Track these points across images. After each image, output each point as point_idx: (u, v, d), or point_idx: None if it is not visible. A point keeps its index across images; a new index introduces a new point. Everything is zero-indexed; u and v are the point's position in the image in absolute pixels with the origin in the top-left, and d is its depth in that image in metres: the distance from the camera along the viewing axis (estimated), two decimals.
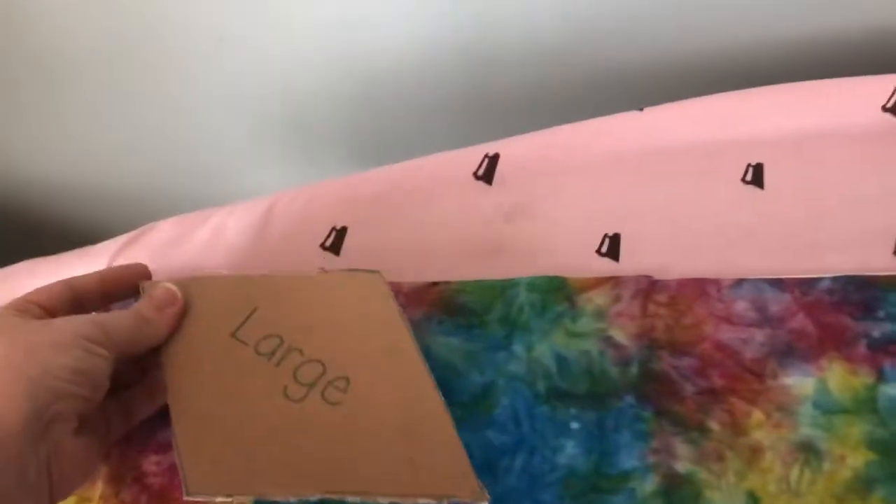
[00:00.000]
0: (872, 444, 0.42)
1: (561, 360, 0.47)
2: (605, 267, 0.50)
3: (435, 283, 0.51)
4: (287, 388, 0.43)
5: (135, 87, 0.73)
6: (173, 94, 0.74)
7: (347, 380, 0.43)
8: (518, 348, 0.47)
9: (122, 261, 0.55)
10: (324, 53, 0.68)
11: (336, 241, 0.54)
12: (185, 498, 0.40)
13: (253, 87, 0.72)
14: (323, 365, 0.44)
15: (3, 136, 0.80)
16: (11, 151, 0.82)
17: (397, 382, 0.44)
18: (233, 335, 0.45)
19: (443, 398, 0.42)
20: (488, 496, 0.39)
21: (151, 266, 0.54)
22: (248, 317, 0.46)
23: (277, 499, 0.40)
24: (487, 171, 0.55)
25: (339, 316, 0.47)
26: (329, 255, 0.54)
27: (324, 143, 0.77)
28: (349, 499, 0.39)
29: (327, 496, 0.40)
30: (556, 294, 0.49)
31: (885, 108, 0.54)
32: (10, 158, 0.83)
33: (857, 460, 0.42)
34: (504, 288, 0.50)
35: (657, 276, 0.49)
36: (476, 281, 0.50)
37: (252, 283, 0.48)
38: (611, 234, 0.52)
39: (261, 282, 0.48)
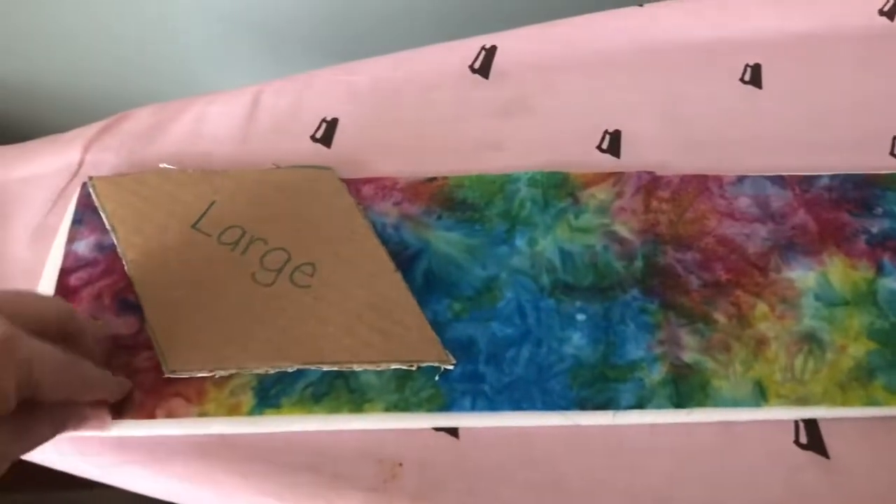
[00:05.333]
0: (872, 334, 0.43)
1: (565, 255, 0.46)
2: (607, 163, 0.50)
3: (433, 178, 0.49)
4: (255, 274, 0.45)
5: None
6: None
7: (313, 265, 0.45)
8: (520, 243, 0.46)
9: (96, 149, 0.51)
10: None
11: (327, 132, 0.52)
12: (166, 375, 0.41)
13: None
14: (287, 252, 0.45)
15: None
16: None
17: (360, 265, 0.45)
18: (193, 227, 0.46)
19: (402, 277, 0.45)
20: (454, 360, 0.42)
21: (129, 157, 0.51)
22: (207, 210, 0.47)
23: (257, 371, 0.42)
24: (484, 64, 0.53)
25: (296, 207, 0.48)
26: (320, 146, 0.51)
27: (297, 45, 0.73)
28: (326, 368, 0.42)
29: (305, 367, 0.42)
30: (558, 190, 0.48)
31: (881, 12, 0.54)
32: None
33: (858, 350, 0.42)
34: (504, 183, 0.49)
35: (658, 172, 0.48)
36: (474, 175, 0.49)
37: (207, 178, 0.49)
38: (611, 130, 0.51)
39: (215, 176, 0.49)
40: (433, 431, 0.41)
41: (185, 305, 0.44)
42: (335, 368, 0.42)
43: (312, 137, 0.52)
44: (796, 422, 0.41)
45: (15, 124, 0.85)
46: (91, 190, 0.48)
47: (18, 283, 0.46)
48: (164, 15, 0.71)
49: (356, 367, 0.42)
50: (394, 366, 0.42)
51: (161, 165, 0.50)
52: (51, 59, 0.78)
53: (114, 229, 0.46)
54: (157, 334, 0.42)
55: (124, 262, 0.45)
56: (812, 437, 0.41)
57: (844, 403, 0.41)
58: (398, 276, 0.45)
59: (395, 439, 0.41)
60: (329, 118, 0.52)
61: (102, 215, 0.47)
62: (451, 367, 0.42)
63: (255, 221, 0.47)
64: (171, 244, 0.46)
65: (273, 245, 0.46)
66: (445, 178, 0.49)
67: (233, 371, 0.42)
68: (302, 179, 0.49)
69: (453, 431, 0.41)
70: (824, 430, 0.41)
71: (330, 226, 0.47)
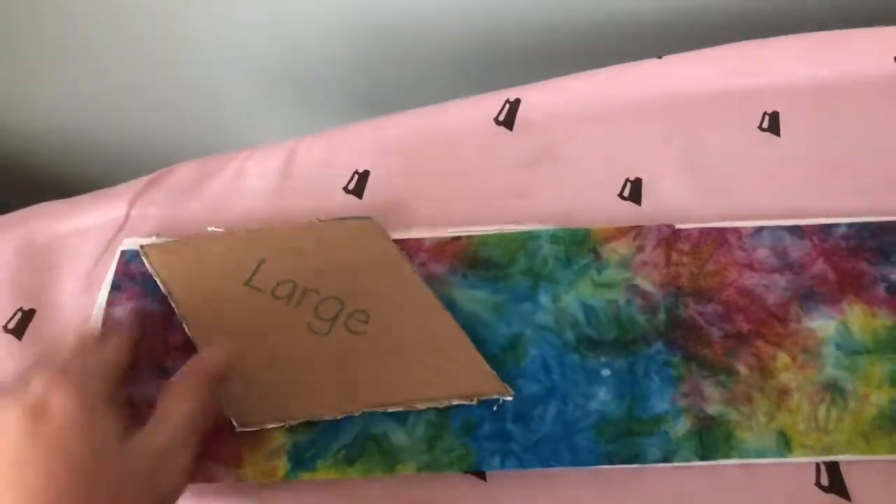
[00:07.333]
0: (895, 381, 0.43)
1: (588, 310, 0.47)
2: (628, 210, 0.51)
3: (456, 238, 0.50)
4: (311, 325, 0.46)
5: (139, 36, 0.70)
6: (174, 46, 0.72)
7: (366, 312, 0.47)
8: (544, 299, 0.48)
9: (141, 204, 0.54)
10: (329, 3, 0.67)
11: (359, 184, 0.54)
12: (239, 430, 0.43)
13: (258, 40, 0.70)
14: (340, 301, 0.47)
15: (6, 86, 0.77)
16: (14, 101, 0.79)
17: (410, 307, 0.47)
18: (247, 284, 0.48)
19: (453, 317, 0.47)
20: (512, 392, 0.44)
21: (172, 211, 0.54)
22: (258, 267, 0.49)
23: (325, 418, 0.43)
24: (508, 117, 0.55)
25: (343, 257, 0.49)
26: (352, 197, 0.54)
27: (331, 97, 0.76)
28: (391, 409, 0.43)
29: (370, 410, 0.43)
30: (580, 246, 0.49)
31: None
32: (13, 108, 0.80)
33: (881, 398, 0.43)
34: (526, 240, 0.50)
35: (679, 220, 0.49)
36: (497, 234, 0.50)
37: (253, 237, 0.51)
38: (632, 178, 0.52)
39: (262, 235, 0.51)
40: (461, 473, 0.43)
41: (248, 361, 0.45)
42: (399, 409, 0.43)
43: (345, 189, 0.54)
44: (817, 464, 0.42)
45: (68, 178, 0.89)
46: (144, 258, 0.50)
47: (68, 330, 0.49)
48: (206, 72, 0.74)
49: (419, 406, 0.43)
50: (454, 402, 0.43)
51: (209, 229, 0.52)
52: (98, 118, 0.81)
53: (171, 294, 0.48)
54: (222, 393, 0.43)
55: (185, 325, 0.47)
56: (833, 480, 0.42)
57: (869, 452, 0.42)
58: (448, 314, 0.47)
59: (424, 481, 0.43)
60: (361, 170, 0.54)
61: (157, 281, 0.49)
62: (510, 398, 0.44)
63: (305, 274, 0.48)
64: (227, 303, 0.47)
65: (325, 295, 0.47)
66: (469, 237, 0.50)
67: (302, 420, 0.43)
68: (345, 230, 0.51)
69: (480, 474, 0.43)
70: (846, 473, 0.42)
71: (377, 272, 0.49)
